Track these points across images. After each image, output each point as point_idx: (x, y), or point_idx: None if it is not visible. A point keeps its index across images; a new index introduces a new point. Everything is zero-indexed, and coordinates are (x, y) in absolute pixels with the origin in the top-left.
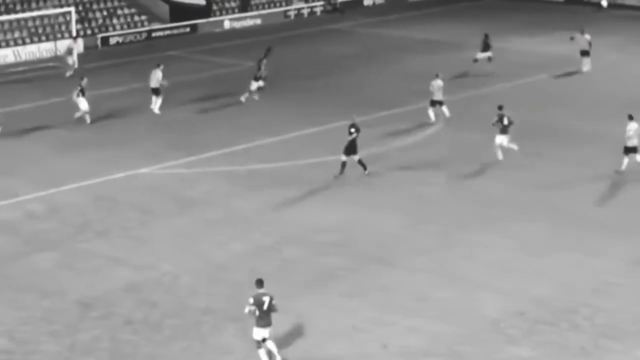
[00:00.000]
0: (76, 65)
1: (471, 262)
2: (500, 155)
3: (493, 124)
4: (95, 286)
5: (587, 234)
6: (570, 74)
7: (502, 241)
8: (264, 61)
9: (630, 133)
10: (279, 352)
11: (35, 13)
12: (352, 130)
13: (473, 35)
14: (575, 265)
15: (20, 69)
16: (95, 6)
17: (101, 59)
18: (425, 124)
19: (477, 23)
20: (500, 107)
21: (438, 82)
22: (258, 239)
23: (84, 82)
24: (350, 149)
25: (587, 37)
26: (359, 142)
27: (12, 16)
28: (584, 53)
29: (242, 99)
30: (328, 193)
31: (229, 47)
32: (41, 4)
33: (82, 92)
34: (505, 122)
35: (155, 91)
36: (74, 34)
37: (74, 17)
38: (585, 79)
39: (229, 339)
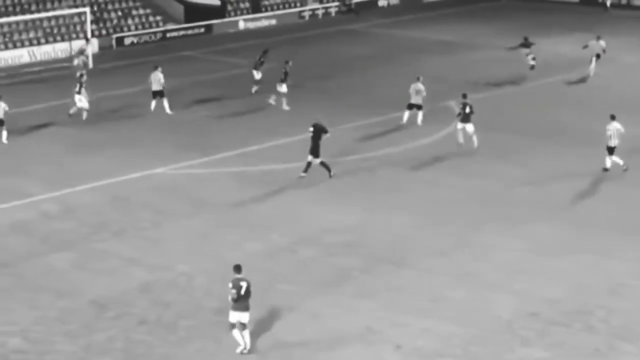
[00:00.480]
0: (90, 66)
1: (484, 262)
2: (461, 139)
3: (458, 114)
4: (110, 286)
5: (602, 235)
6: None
7: (515, 242)
8: (260, 62)
9: (609, 133)
10: (253, 344)
11: (50, 13)
12: (310, 129)
13: (486, 35)
14: (590, 266)
15: (36, 69)
16: (110, 6)
17: (116, 59)
18: (442, 124)
19: (491, 24)
20: (464, 96)
21: (417, 86)
22: (272, 240)
23: (84, 79)
24: (314, 150)
25: (602, 43)
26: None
27: (27, 16)
28: (597, 57)
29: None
30: (342, 194)
31: (243, 48)
32: (56, 4)
33: (81, 87)
34: (467, 110)
35: (159, 93)
36: (89, 35)
37: (89, 17)
38: (601, 81)
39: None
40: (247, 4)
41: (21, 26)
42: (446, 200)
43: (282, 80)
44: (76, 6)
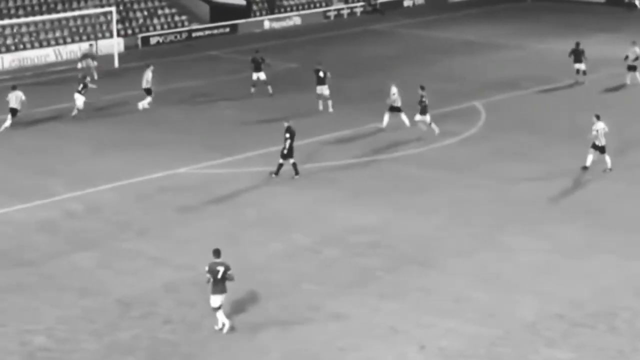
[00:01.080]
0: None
1: (509, 263)
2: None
3: (419, 104)
4: (134, 286)
5: (626, 236)
6: (610, 75)
7: (540, 243)
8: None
9: (595, 133)
10: (231, 325)
11: (76, 13)
12: (287, 135)
13: (511, 36)
14: (614, 267)
15: (61, 68)
16: (135, 6)
17: (141, 58)
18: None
19: (515, 24)
20: (422, 88)
21: (393, 89)
22: (296, 240)
23: (87, 80)
24: (289, 151)
25: (638, 49)
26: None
27: (54, 16)
28: (631, 68)
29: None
30: (366, 194)
31: (268, 48)
32: (82, 3)
33: (84, 88)
34: (425, 102)
35: (147, 91)
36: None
37: (114, 16)
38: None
39: (268, 339)
40: (265, 5)
41: (47, 25)
42: (470, 200)
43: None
44: (102, 6)
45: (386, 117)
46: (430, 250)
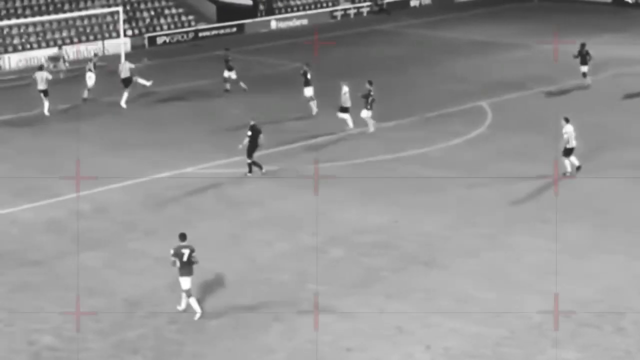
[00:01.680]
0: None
1: (515, 263)
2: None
3: (361, 96)
4: (141, 285)
5: (633, 236)
6: (616, 76)
7: (546, 243)
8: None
9: (566, 136)
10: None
11: (83, 12)
12: (249, 133)
13: (518, 36)
14: (621, 267)
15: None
16: (142, 6)
17: (148, 58)
18: (473, 124)
19: (522, 24)
20: (370, 83)
21: (344, 89)
22: (303, 239)
23: (96, 58)
24: (251, 150)
25: None
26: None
27: (60, 16)
28: None
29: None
30: (372, 194)
31: (275, 47)
32: (89, 3)
33: (94, 66)
34: (371, 99)
35: (126, 82)
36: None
37: (121, 16)
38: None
39: (274, 339)
40: (281, 4)
41: (54, 25)
42: (476, 200)
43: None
44: (109, 5)
45: (347, 117)
46: (436, 250)
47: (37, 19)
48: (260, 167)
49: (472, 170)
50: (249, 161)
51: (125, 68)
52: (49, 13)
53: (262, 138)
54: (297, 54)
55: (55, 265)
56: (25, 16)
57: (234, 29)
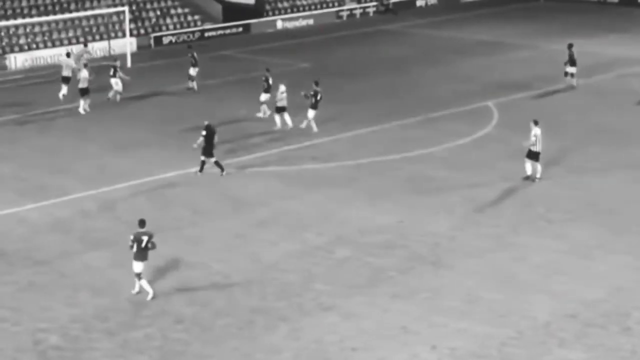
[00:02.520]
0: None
1: (522, 264)
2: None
3: (306, 97)
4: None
5: None
6: (621, 76)
7: (553, 243)
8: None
9: (534, 139)
10: (154, 293)
11: (89, 12)
12: (204, 133)
13: (524, 36)
14: (628, 268)
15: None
16: (148, 6)
17: (154, 58)
18: (479, 124)
19: (528, 24)
20: (316, 83)
21: (281, 88)
22: (309, 239)
23: (118, 62)
24: (207, 150)
25: None
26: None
27: (67, 15)
28: None
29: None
30: (378, 194)
31: (281, 47)
32: (95, 3)
33: (115, 72)
34: (319, 97)
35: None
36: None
37: (127, 16)
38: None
39: (280, 339)
40: (286, 4)
41: (60, 25)
42: (483, 201)
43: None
44: (115, 5)
45: (282, 117)
46: (442, 250)
47: (43, 18)
48: (221, 168)
49: (478, 170)
50: (203, 158)
51: (83, 77)
52: (55, 13)
53: (216, 138)
54: (303, 54)
55: (61, 265)
56: (31, 16)
57: (240, 29)
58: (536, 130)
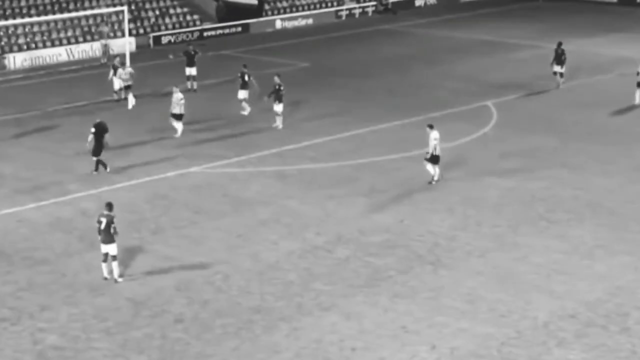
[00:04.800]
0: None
1: (522, 264)
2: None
3: (270, 93)
4: (147, 284)
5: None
6: (621, 75)
7: (553, 243)
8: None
9: (433, 143)
10: (121, 274)
11: (88, 12)
12: (92, 130)
13: (522, 36)
14: (627, 268)
15: (73, 67)
16: (147, 5)
17: (153, 58)
18: (479, 124)
19: (527, 24)
20: (244, 66)
21: (177, 95)
22: (309, 239)
23: (117, 60)
24: (97, 148)
25: None
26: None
27: (66, 15)
28: None
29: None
30: (379, 193)
31: (280, 47)
32: (94, 3)
33: (115, 71)
34: (246, 78)
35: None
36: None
37: (126, 16)
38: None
39: (281, 338)
40: (286, 3)
41: (59, 25)
42: (483, 200)
43: (242, 87)
44: (114, 5)
45: (178, 125)
46: (442, 250)
47: (42, 18)
48: (105, 166)
49: (478, 170)
50: (95, 159)
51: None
52: (54, 12)
53: (107, 137)
54: (303, 54)
55: (62, 264)
56: (30, 15)
57: (239, 29)
58: (435, 134)
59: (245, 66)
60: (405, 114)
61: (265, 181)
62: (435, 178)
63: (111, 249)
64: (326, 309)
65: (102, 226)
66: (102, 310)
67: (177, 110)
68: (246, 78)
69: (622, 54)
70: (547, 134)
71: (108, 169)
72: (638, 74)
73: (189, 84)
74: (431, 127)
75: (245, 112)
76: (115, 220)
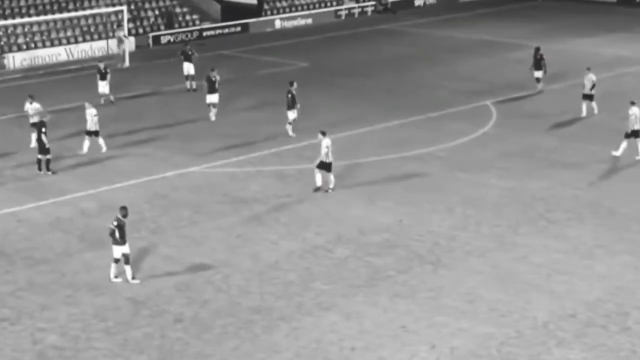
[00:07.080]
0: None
1: (523, 263)
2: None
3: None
4: (147, 284)
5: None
6: (621, 75)
7: (553, 243)
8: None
9: (326, 150)
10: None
11: (87, 12)
12: (43, 130)
13: (522, 36)
14: (627, 268)
15: (73, 67)
16: (147, 5)
17: (152, 58)
18: (478, 124)
19: (527, 24)
20: (212, 69)
21: (90, 111)
22: (309, 239)
23: (102, 65)
24: (42, 148)
25: (593, 77)
26: None
27: (65, 15)
28: (587, 97)
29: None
30: (378, 193)
31: (280, 47)
32: (93, 2)
33: (102, 75)
34: (214, 79)
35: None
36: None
37: (126, 15)
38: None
39: (280, 338)
40: (285, 3)
41: (59, 24)
42: (482, 200)
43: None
44: (113, 5)
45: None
46: (442, 249)
47: (42, 18)
48: (40, 169)
49: (477, 170)
50: (40, 157)
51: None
52: (53, 12)
53: (44, 138)
54: (302, 54)
55: (61, 264)
56: (30, 15)
57: (239, 29)
58: (327, 141)
59: (213, 69)
60: (404, 113)
61: (264, 181)
62: (331, 186)
63: (125, 249)
64: (326, 309)
65: (115, 230)
66: (102, 310)
67: (92, 127)
68: (215, 80)
69: (622, 53)
70: (547, 134)
71: (42, 172)
72: (584, 86)
73: (187, 84)
74: (324, 133)
75: (212, 115)
76: (124, 226)
